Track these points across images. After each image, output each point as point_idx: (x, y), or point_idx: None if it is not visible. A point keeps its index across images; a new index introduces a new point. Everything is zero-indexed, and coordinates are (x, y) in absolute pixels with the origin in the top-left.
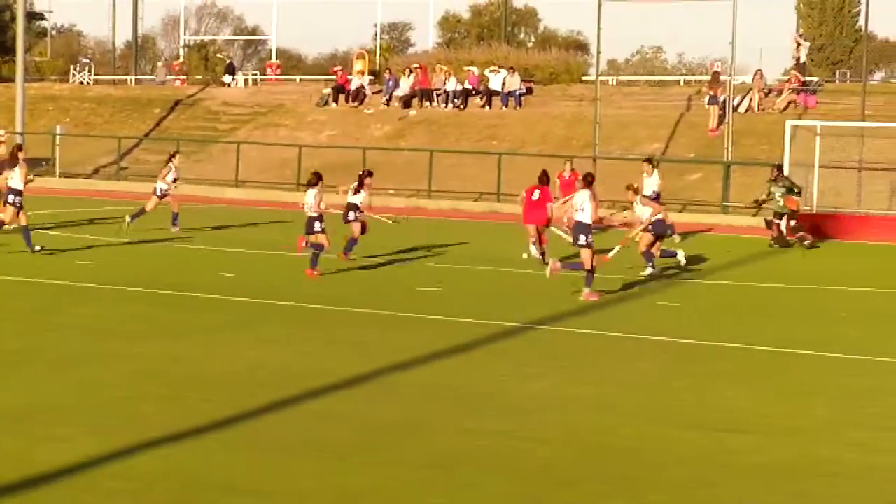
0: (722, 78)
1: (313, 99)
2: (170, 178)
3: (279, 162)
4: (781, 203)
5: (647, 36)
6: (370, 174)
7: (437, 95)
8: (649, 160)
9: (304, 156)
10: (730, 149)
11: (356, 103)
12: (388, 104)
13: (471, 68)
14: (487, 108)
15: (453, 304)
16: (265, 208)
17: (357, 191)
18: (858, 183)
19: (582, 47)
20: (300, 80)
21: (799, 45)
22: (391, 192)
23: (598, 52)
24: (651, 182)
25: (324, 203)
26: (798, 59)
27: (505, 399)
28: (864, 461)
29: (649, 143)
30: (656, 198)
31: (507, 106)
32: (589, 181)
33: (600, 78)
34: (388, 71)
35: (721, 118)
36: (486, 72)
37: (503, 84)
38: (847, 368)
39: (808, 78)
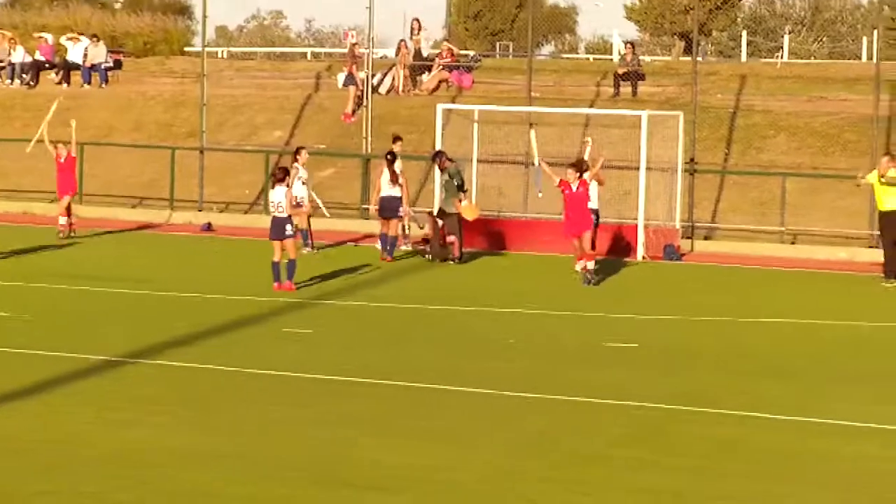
0: (359, 51)
1: None
2: None
3: None
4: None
5: None
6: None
7: (0, 69)
8: None
9: None
10: (369, 139)
11: None
12: None
13: (44, 35)
14: (65, 85)
15: (22, 332)
16: None
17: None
18: (526, 181)
19: (184, 11)
20: None
21: (419, 28)
22: None
23: (205, 17)
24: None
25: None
26: (418, 48)
27: (85, 452)
28: None
29: (269, 130)
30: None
31: (89, 83)
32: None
33: (207, 49)
34: None
35: (359, 101)
36: (63, 39)
37: (85, 55)
38: (513, 409)
39: (462, 52)
